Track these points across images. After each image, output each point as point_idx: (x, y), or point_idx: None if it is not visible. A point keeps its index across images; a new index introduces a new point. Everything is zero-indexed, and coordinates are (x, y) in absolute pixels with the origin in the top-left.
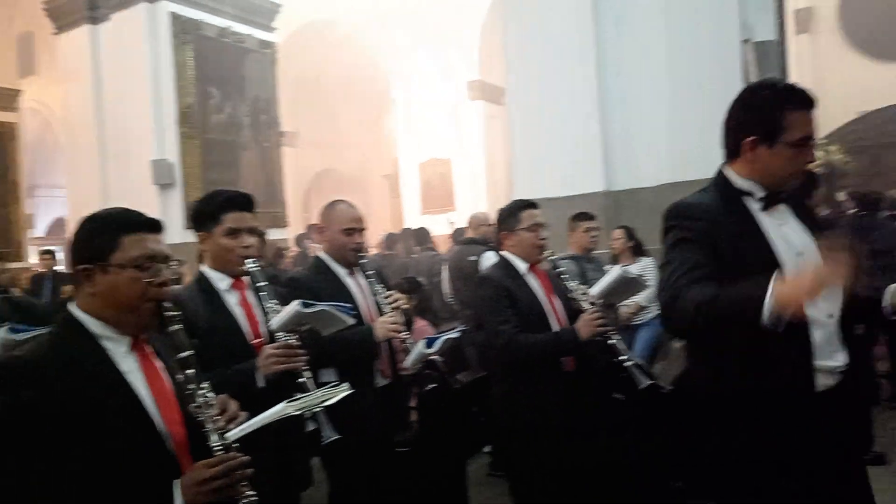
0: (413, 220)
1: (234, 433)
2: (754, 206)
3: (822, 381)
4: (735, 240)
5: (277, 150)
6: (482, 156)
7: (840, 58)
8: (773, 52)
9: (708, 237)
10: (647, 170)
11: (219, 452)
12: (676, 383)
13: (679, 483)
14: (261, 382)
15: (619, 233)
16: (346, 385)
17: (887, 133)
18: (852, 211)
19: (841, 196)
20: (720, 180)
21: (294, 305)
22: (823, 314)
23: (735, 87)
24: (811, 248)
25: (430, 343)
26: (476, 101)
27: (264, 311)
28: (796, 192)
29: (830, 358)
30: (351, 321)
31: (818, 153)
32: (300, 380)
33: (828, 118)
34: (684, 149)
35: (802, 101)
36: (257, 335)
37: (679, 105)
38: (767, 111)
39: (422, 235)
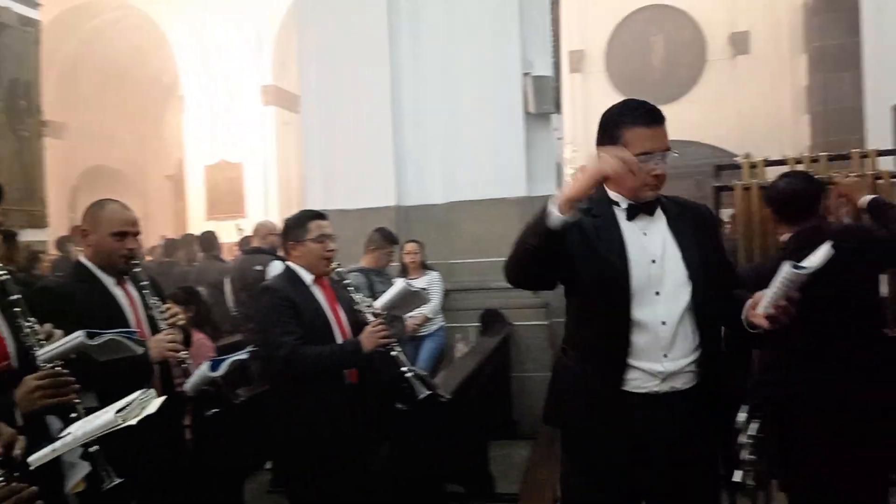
0: (198, 226)
1: (41, 455)
2: (620, 214)
3: (641, 384)
4: (595, 240)
5: (38, 141)
6: (275, 163)
7: (605, 97)
8: (549, 86)
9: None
10: (437, 187)
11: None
12: (458, 393)
13: (459, 487)
14: (19, 420)
15: (411, 247)
16: (153, 391)
17: None
18: None
19: None
20: (599, 190)
21: (78, 336)
22: (657, 319)
23: (516, 115)
24: (672, 256)
25: (215, 366)
26: (269, 106)
27: (13, 327)
28: (697, 206)
29: (656, 361)
30: (140, 350)
31: None
32: (72, 414)
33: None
34: (472, 168)
35: (642, 118)
36: (2, 357)
37: (466, 127)
38: (610, 128)
39: (208, 241)
